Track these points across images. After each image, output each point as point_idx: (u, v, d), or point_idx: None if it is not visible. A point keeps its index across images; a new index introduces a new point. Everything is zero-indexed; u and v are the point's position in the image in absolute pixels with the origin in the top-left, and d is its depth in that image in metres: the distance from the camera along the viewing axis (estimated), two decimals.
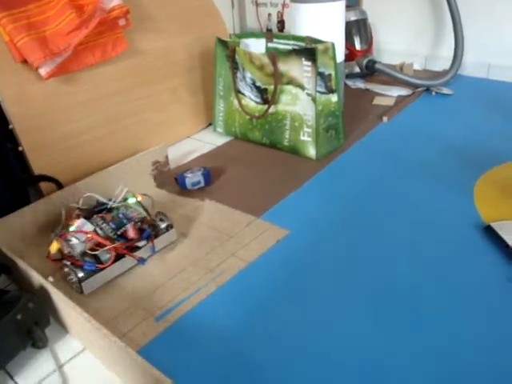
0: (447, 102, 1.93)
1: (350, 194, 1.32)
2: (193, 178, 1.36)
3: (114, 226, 1.07)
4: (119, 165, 1.34)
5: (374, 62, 2.03)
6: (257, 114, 1.56)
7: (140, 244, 1.08)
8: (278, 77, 1.46)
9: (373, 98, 1.96)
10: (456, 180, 1.36)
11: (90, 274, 1.00)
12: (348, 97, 1.89)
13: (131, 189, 1.18)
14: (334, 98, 1.47)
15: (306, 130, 1.46)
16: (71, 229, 1.02)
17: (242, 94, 1.59)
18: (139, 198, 1.14)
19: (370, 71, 2.06)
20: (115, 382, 0.83)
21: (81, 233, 1.01)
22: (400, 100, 1.93)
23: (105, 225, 1.06)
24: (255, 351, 0.87)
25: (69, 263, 1.01)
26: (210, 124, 1.80)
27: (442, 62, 2.19)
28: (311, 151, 1.48)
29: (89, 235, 1.01)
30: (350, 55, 2.09)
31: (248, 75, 1.54)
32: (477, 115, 1.78)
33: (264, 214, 1.24)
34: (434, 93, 1.98)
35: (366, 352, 0.86)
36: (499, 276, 1.02)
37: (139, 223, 1.10)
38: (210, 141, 1.70)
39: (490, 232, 1.14)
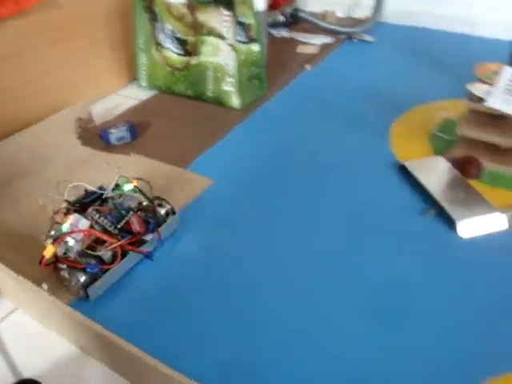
0: (369, 48, 1.98)
1: (274, 141, 1.35)
2: (117, 133, 1.34)
3: (112, 219, 0.93)
4: (41, 123, 1.30)
5: (298, 10, 2.04)
6: (179, 66, 1.55)
7: (148, 237, 0.95)
8: (197, 27, 1.45)
9: (297, 47, 1.98)
10: (374, 124, 1.42)
11: (94, 276, 0.87)
12: (272, 46, 1.90)
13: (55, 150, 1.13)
14: (255, 47, 1.47)
15: (228, 80, 1.47)
16: (65, 227, 0.88)
17: (163, 46, 1.57)
18: (135, 184, 1.00)
19: (294, 20, 2.07)
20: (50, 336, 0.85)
21: (79, 232, 0.88)
22: (324, 48, 1.96)
23: (102, 218, 0.92)
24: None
25: (64, 266, 0.87)
26: (135, 79, 1.77)
27: (365, 10, 2.23)
28: (235, 101, 1.49)
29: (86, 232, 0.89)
30: (274, 4, 2.09)
31: (167, 26, 1.51)
32: (396, 61, 1.84)
33: (189, 165, 1.26)
34: (356, 40, 2.02)
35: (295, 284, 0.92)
36: (413, 209, 1.10)
37: (141, 213, 0.97)
38: (135, 96, 1.67)
39: (403, 170, 1.21)
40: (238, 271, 0.94)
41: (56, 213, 0.95)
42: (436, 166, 1.20)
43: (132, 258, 0.93)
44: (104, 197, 0.98)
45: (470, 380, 0.74)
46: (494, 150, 1.21)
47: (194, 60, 1.50)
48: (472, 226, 1.02)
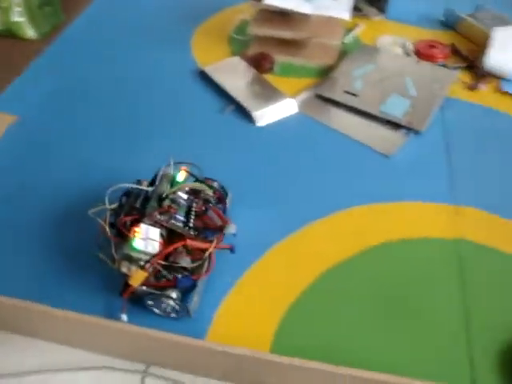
0: None
1: (80, 68, 1.33)
2: None
3: (182, 218, 0.77)
4: None
5: None
6: None
7: (232, 229, 0.81)
8: None
9: None
10: (176, 35, 1.45)
11: (187, 290, 0.75)
12: None
13: None
14: None
15: (16, 9, 1.39)
16: (138, 244, 0.71)
17: None
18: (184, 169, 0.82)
19: None
20: None
21: (166, 247, 0.73)
22: None
23: (173, 221, 0.75)
24: None
25: (153, 290, 0.73)
26: None
27: None
28: (29, 32, 1.42)
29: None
30: None
31: None
32: None
33: None
34: None
35: None
36: (214, 109, 1.19)
37: (206, 202, 0.82)
38: None
39: (204, 75, 1.28)
40: None
41: (104, 228, 0.76)
42: (233, 66, 1.29)
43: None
44: (149, 194, 0.79)
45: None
46: (284, 44, 1.33)
47: None
48: (267, 114, 1.14)
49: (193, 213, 0.78)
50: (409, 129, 1.11)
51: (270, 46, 1.33)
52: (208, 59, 1.33)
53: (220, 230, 0.80)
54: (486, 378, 0.72)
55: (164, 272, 0.72)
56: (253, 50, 1.33)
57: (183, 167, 0.82)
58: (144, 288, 0.72)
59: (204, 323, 0.77)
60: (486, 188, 1.01)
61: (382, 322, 0.77)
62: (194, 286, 0.74)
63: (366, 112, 1.15)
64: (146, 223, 0.72)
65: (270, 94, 1.18)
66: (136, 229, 0.71)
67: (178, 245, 0.73)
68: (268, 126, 1.14)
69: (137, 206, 0.76)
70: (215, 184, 0.86)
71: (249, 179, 1.00)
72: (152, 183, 0.81)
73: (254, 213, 0.93)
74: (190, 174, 0.83)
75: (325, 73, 1.27)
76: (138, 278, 0.70)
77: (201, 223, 0.81)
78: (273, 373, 0.69)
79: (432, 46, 1.37)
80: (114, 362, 0.74)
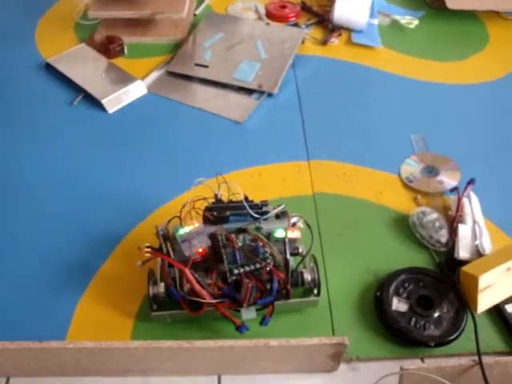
0: None
1: None
2: None
3: (237, 260, 0.67)
4: None
5: None
6: None
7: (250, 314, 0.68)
8: None
9: None
10: (17, 29, 1.35)
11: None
12: None
13: None
14: None
15: None
16: (182, 231, 0.67)
17: None
18: (294, 234, 0.70)
19: None
20: None
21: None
22: None
23: (228, 250, 0.68)
24: None
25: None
26: None
27: None
28: None
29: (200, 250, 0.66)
30: None
31: None
32: None
33: None
34: None
35: None
36: (63, 101, 1.12)
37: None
38: None
39: (50, 67, 1.20)
40: None
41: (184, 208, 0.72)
42: (79, 54, 1.23)
43: None
44: (247, 224, 0.70)
45: None
46: (132, 25, 1.28)
47: None
48: (116, 100, 1.09)
49: (252, 267, 0.67)
50: (261, 92, 1.09)
51: (117, 28, 1.28)
52: (54, 50, 1.25)
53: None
54: (344, 325, 0.74)
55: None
56: (100, 35, 1.27)
57: (292, 227, 0.71)
58: None
59: (63, 323, 0.73)
60: (339, 139, 1.02)
61: None
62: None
63: (218, 82, 1.12)
64: (204, 228, 0.69)
65: (118, 79, 1.14)
66: (196, 223, 0.68)
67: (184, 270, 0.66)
68: (119, 111, 1.08)
69: (222, 213, 0.71)
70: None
71: (100, 171, 0.96)
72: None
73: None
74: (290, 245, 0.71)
75: (177, 49, 1.23)
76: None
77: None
78: (136, 360, 0.66)
79: (283, 7, 1.37)
80: None
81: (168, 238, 0.69)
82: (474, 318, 0.70)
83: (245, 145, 1.00)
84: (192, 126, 1.04)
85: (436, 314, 0.72)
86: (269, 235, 0.69)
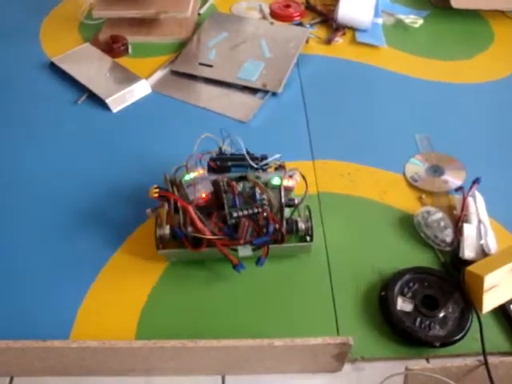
0: None
1: None
2: None
3: (237, 204, 0.74)
4: None
5: None
6: None
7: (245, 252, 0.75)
8: None
9: None
10: (22, 28, 1.35)
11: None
12: None
13: None
14: None
15: None
16: (187, 177, 0.75)
17: None
18: (290, 183, 0.78)
19: None
20: None
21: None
22: None
23: (228, 195, 0.75)
24: None
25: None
26: None
27: None
28: None
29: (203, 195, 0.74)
30: None
31: None
32: None
33: None
34: None
35: None
36: (67, 100, 1.13)
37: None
38: None
39: (55, 66, 1.20)
40: None
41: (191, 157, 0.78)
42: (84, 53, 1.23)
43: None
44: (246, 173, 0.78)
45: None
46: (136, 24, 1.28)
47: None
48: (120, 100, 1.09)
49: (249, 211, 0.73)
50: (266, 91, 1.09)
51: (121, 28, 1.28)
52: (58, 49, 1.26)
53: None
54: (349, 325, 0.74)
55: None
56: (104, 34, 1.27)
57: (287, 177, 0.78)
58: None
59: (67, 322, 0.74)
60: (344, 139, 1.02)
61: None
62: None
63: (223, 81, 1.12)
64: (210, 173, 0.77)
65: (122, 78, 1.14)
66: (201, 170, 0.76)
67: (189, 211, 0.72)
68: (123, 110, 1.08)
69: (224, 163, 0.79)
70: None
71: (106, 169, 0.97)
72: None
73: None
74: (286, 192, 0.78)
75: (182, 48, 1.23)
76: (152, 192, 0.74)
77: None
78: (139, 359, 0.66)
79: (287, 6, 1.37)
80: None
81: (175, 183, 0.76)
82: (479, 318, 0.70)
83: (249, 144, 0.99)
84: (196, 125, 1.03)
85: (441, 314, 0.71)
86: (266, 184, 0.76)
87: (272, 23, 1.28)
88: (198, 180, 0.74)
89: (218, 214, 0.73)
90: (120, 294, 0.76)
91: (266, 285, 0.77)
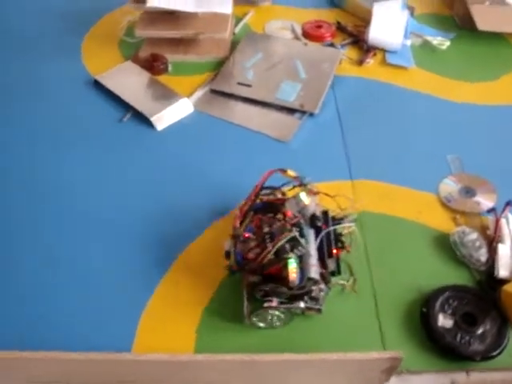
0: None
1: None
2: None
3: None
4: None
5: None
6: None
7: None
8: None
9: None
10: (64, 44, 1.40)
11: None
12: None
13: None
14: None
15: None
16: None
17: None
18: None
19: None
20: None
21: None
22: None
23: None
24: None
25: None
26: None
27: None
28: None
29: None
30: None
31: None
32: None
33: None
34: None
35: None
36: (112, 118, 1.18)
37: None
38: None
39: (98, 84, 1.26)
40: None
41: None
42: (125, 71, 1.28)
43: None
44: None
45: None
46: (175, 43, 1.33)
47: None
48: (164, 118, 1.14)
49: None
50: (303, 112, 1.15)
51: (161, 46, 1.33)
52: (100, 66, 1.31)
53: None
54: (393, 340, 0.78)
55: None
56: (144, 52, 1.32)
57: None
58: None
59: (128, 336, 0.79)
60: (379, 159, 1.07)
61: None
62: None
63: (261, 101, 1.17)
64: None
65: (165, 96, 1.19)
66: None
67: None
68: (167, 129, 1.14)
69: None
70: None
71: (153, 187, 1.02)
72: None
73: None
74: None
75: (219, 67, 1.28)
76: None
77: None
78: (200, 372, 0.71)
79: (319, 26, 1.42)
80: None
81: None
82: None
83: (288, 163, 1.04)
84: (236, 143, 1.11)
85: (480, 331, 0.76)
86: None
87: (306, 44, 1.33)
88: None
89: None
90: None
91: None
